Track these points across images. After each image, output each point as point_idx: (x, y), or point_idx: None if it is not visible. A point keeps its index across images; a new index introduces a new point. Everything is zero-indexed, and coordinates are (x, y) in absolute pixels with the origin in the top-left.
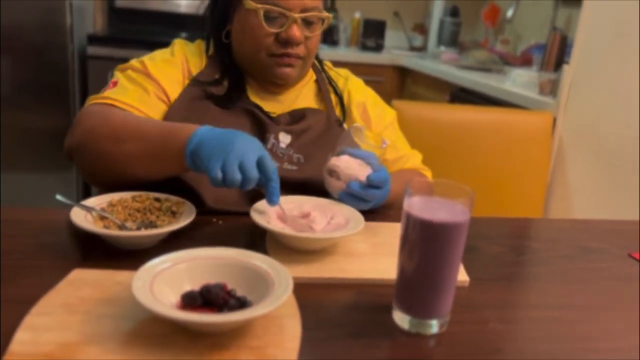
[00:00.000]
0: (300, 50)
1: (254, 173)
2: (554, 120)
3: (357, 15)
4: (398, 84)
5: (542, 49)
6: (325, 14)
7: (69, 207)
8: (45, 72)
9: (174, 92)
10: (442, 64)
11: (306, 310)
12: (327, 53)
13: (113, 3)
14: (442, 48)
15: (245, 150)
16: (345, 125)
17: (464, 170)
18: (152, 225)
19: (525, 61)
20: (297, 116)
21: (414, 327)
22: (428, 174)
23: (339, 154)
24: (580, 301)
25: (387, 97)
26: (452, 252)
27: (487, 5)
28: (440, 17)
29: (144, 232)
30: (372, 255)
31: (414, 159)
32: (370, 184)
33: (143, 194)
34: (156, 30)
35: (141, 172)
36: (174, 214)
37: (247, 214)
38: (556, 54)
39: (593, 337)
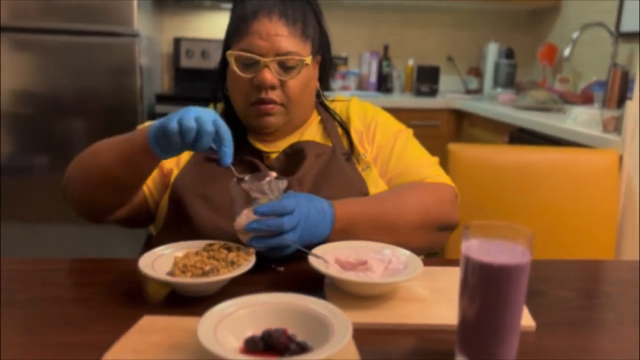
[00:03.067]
0: (275, 95)
1: (209, 125)
2: (620, 157)
3: (410, 62)
4: (455, 128)
5: (603, 86)
6: (302, 58)
7: (137, 257)
8: (117, 131)
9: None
10: (499, 106)
11: (367, 356)
12: (382, 100)
13: (178, 64)
14: (499, 89)
15: (202, 110)
16: (353, 159)
17: (527, 213)
18: (212, 272)
19: (586, 99)
20: (295, 154)
21: None
22: (435, 179)
23: (236, 215)
24: None
25: (444, 141)
26: (515, 295)
27: (544, 45)
28: (495, 60)
29: (204, 280)
30: (431, 300)
31: (420, 171)
32: (260, 216)
33: (215, 243)
34: None
35: (115, 172)
36: (232, 263)
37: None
38: (618, 90)
39: None
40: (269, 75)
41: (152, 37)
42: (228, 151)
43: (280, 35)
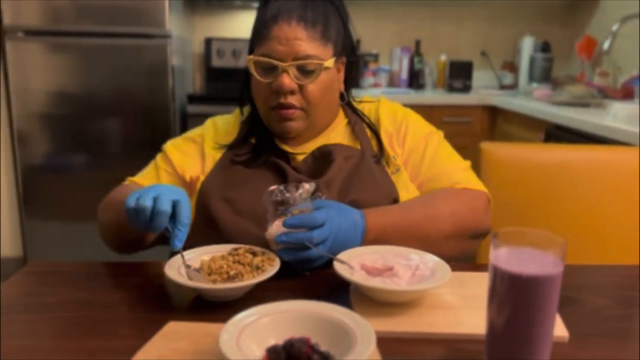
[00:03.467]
0: (295, 100)
1: (164, 206)
2: None
3: (443, 57)
4: (489, 124)
5: None
6: (322, 62)
7: (166, 260)
8: (150, 130)
9: (187, 165)
10: (534, 101)
11: None
12: (413, 97)
13: (209, 64)
14: (534, 85)
15: (164, 191)
16: (382, 161)
17: (563, 215)
18: (237, 277)
19: (626, 94)
20: (323, 156)
21: None
22: (467, 185)
23: (268, 225)
24: None
25: (477, 138)
26: (546, 307)
27: (582, 38)
28: (531, 54)
29: (229, 285)
30: (461, 308)
31: (452, 176)
32: (289, 228)
33: (240, 247)
34: None
35: (120, 231)
36: (257, 268)
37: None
38: None
39: None
40: (287, 80)
41: (183, 38)
42: (180, 234)
43: (299, 39)
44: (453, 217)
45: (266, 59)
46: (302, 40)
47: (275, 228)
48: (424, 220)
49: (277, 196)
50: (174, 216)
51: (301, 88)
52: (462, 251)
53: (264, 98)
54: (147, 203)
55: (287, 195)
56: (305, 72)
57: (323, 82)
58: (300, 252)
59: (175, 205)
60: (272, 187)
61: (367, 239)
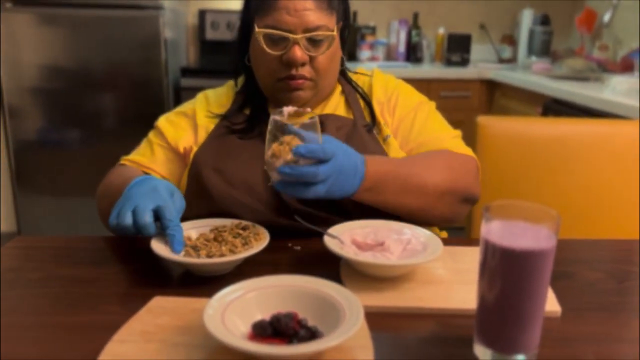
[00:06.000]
0: (305, 71)
1: (144, 219)
2: None
3: (441, 30)
4: (487, 98)
5: None
6: (332, 32)
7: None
8: (143, 104)
9: (180, 137)
10: (533, 75)
11: (381, 341)
12: (411, 71)
13: (203, 36)
14: (533, 58)
15: (142, 199)
16: (374, 131)
17: (560, 190)
18: (226, 251)
19: (626, 67)
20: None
21: None
22: (456, 151)
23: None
24: None
25: (475, 112)
26: (538, 282)
27: (582, 10)
28: (530, 27)
29: (218, 260)
30: (452, 282)
31: (441, 143)
32: (299, 158)
33: (230, 221)
34: None
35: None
36: (246, 243)
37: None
38: None
39: None
40: (300, 53)
41: (177, 10)
42: (175, 237)
43: (308, 10)
44: (448, 173)
45: (277, 31)
46: (311, 10)
47: (281, 159)
48: (422, 171)
49: (282, 118)
50: (161, 217)
51: (311, 59)
52: (453, 213)
53: (271, 70)
54: (127, 221)
55: (292, 120)
56: (315, 43)
57: (331, 52)
58: (298, 189)
59: (158, 211)
60: (279, 109)
61: (365, 186)
